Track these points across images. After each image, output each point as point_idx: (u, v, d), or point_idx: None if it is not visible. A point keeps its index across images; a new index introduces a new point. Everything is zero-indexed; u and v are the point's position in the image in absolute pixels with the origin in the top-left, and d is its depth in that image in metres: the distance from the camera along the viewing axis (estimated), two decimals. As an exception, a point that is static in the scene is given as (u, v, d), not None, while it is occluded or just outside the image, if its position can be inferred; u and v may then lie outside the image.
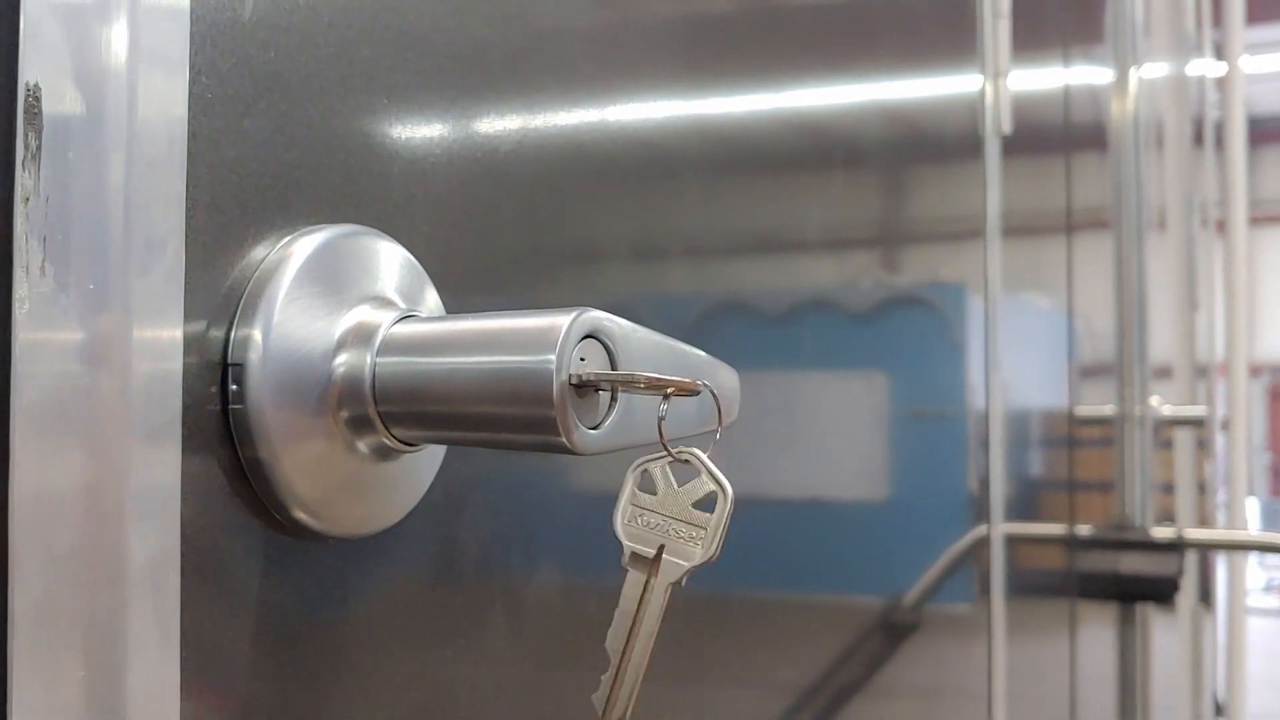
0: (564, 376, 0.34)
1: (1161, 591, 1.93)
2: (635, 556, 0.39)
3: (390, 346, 0.37)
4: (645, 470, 0.39)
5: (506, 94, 0.47)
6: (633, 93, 0.57)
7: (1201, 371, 2.85)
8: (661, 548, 0.39)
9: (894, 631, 0.95)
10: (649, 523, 0.39)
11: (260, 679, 0.36)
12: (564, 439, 0.34)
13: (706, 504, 0.39)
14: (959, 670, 1.14)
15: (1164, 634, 2.25)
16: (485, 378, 0.35)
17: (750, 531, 0.69)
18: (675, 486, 0.39)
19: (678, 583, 0.39)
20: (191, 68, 0.33)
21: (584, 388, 0.34)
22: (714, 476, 0.39)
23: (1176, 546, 1.90)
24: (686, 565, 0.38)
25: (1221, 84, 3.01)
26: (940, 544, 1.08)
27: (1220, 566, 3.09)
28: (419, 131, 0.43)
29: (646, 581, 0.38)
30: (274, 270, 0.35)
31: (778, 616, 0.76)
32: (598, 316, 0.35)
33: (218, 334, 0.34)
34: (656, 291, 0.61)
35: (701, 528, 0.39)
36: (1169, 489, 2.56)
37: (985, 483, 1.19)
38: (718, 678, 0.66)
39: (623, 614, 0.38)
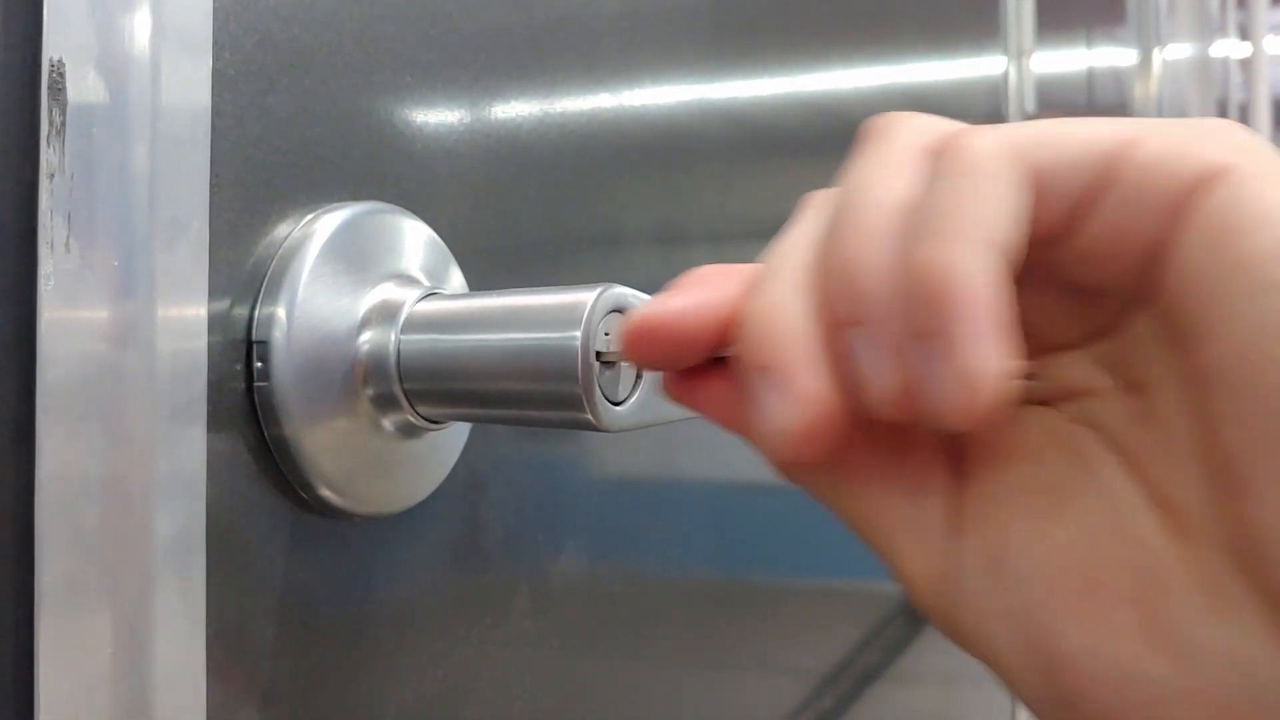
0: (590, 352, 0.33)
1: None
2: None
3: (415, 324, 0.36)
4: None
5: (530, 73, 0.47)
6: (656, 74, 0.57)
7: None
8: None
9: (916, 616, 0.95)
10: None
11: (285, 656, 0.36)
12: (590, 415, 0.34)
13: None
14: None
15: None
16: (510, 354, 0.34)
17: (770, 516, 0.68)
18: None
19: None
20: (215, 44, 0.33)
21: (610, 364, 0.34)
22: None
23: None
24: None
25: (1246, 65, 2.98)
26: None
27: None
28: (442, 109, 0.42)
29: None
30: (298, 248, 0.35)
31: (798, 602, 0.76)
32: (623, 292, 0.35)
33: (242, 312, 0.34)
34: (678, 273, 0.61)
35: None
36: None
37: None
38: (738, 664, 0.66)
39: None
